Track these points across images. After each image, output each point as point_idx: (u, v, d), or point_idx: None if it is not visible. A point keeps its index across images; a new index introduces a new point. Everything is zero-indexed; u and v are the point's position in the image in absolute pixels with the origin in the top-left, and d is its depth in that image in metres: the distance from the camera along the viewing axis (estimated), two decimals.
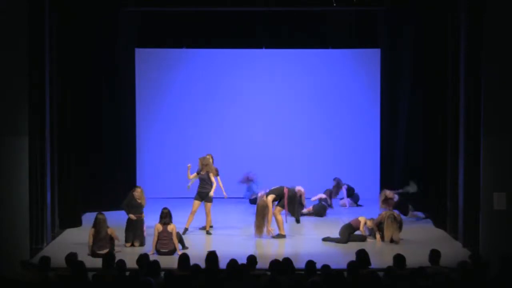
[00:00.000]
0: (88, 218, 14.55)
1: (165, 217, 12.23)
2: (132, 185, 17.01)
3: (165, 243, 12.07)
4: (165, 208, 12.37)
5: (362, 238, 13.00)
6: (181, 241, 12.34)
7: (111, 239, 12.08)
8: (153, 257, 11.14)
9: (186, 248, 12.30)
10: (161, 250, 12.02)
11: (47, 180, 12.55)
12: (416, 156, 15.26)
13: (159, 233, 12.10)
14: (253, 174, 16.25)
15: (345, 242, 12.85)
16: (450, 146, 13.35)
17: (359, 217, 13.23)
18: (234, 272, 8.63)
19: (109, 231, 12.09)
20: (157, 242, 12.10)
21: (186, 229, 13.44)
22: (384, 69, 17.10)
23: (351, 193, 16.56)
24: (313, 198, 15.76)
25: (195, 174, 13.86)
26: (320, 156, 17.20)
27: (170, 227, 12.13)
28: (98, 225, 12.06)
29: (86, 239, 12.09)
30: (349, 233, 12.99)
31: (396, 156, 16.52)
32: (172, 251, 12.04)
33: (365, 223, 13.10)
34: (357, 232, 13.11)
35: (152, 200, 16.72)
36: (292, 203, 13.72)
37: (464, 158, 12.39)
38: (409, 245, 12.74)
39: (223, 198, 14.52)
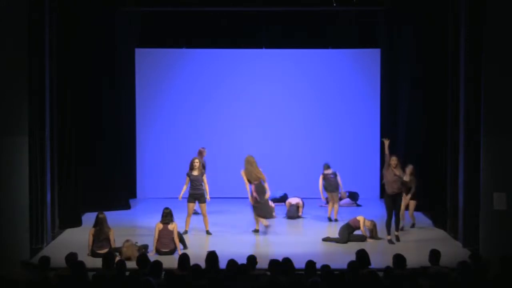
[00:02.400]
0: (88, 218, 14.55)
1: (166, 216, 12.21)
2: (132, 186, 17.11)
3: (165, 242, 12.05)
4: (166, 208, 12.35)
5: (362, 238, 13.00)
6: (182, 241, 12.33)
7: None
8: (153, 257, 11.16)
9: (187, 248, 12.30)
10: (161, 250, 12.01)
11: (47, 180, 12.55)
12: (416, 156, 15.25)
13: (160, 232, 12.09)
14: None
15: (345, 242, 12.85)
16: (450, 146, 13.35)
17: (357, 217, 13.22)
18: (234, 272, 8.63)
19: (110, 233, 12.06)
20: (157, 242, 12.09)
21: (186, 231, 13.42)
22: (384, 69, 17.11)
23: (354, 197, 16.62)
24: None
25: (187, 179, 13.57)
26: (320, 156, 17.17)
27: (171, 226, 12.12)
28: (100, 225, 12.05)
29: (86, 239, 12.07)
30: (348, 233, 12.99)
31: (396, 156, 16.48)
32: (172, 251, 12.03)
33: (364, 223, 13.10)
34: (357, 232, 13.11)
35: (152, 200, 16.82)
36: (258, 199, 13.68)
37: (464, 158, 12.40)
38: (409, 245, 12.75)
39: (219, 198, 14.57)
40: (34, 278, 8.69)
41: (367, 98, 17.30)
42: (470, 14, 12.14)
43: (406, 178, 13.39)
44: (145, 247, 12.04)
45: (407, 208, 13.85)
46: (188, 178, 13.54)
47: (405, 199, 13.63)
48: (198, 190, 13.49)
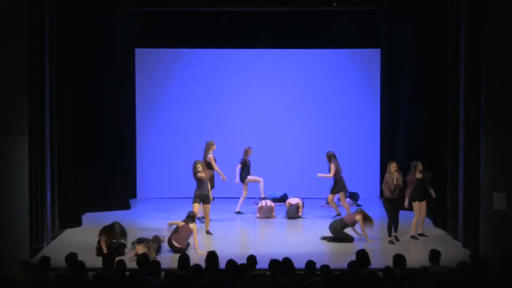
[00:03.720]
0: (88, 218, 14.58)
1: (190, 217, 12.37)
2: (132, 186, 17.11)
3: (181, 238, 12.12)
4: (191, 212, 12.55)
5: (350, 239, 12.93)
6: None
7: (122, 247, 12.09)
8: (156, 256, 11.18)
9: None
10: (174, 244, 12.05)
11: (47, 180, 12.54)
12: (416, 156, 15.24)
13: (181, 226, 12.21)
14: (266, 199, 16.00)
15: (339, 236, 12.84)
16: (450, 146, 13.35)
17: (356, 216, 13.07)
18: (234, 272, 8.63)
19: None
20: (174, 233, 12.17)
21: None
22: (384, 69, 17.10)
23: (354, 197, 16.63)
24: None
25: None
26: (320, 156, 17.17)
27: (192, 225, 12.24)
28: (115, 234, 12.03)
29: (86, 239, 12.05)
30: (342, 227, 12.95)
31: (396, 156, 16.50)
32: (182, 250, 11.96)
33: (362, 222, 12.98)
34: (357, 228, 13.06)
35: (152, 200, 16.81)
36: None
37: (464, 158, 12.40)
38: (409, 245, 12.75)
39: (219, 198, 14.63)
40: (34, 278, 8.69)
41: (367, 98, 17.29)
42: (470, 14, 12.14)
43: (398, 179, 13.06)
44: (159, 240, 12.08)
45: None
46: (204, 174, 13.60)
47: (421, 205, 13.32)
48: (206, 191, 13.55)
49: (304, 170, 17.04)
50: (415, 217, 13.25)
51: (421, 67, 15.19)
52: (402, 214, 13.80)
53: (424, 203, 13.32)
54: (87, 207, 15.08)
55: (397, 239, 13.01)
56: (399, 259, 9.27)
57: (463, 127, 12.47)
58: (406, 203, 13.20)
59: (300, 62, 17.35)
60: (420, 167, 13.22)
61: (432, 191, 13.30)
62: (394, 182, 12.89)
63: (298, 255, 10.82)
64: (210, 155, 14.75)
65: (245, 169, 15.42)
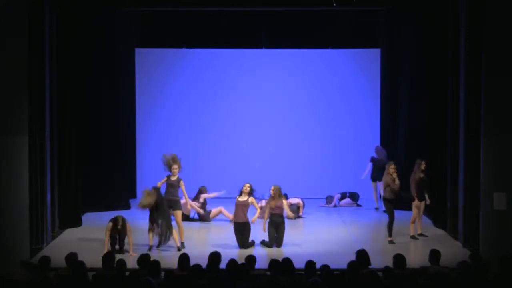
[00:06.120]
0: (88, 218, 14.57)
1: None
2: (132, 186, 17.10)
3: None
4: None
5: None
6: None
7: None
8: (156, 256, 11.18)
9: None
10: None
11: (47, 180, 12.55)
12: (416, 156, 15.25)
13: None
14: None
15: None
16: (450, 146, 13.35)
17: None
18: (234, 272, 8.63)
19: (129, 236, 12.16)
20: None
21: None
22: (384, 69, 17.10)
23: (354, 197, 16.63)
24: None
25: (164, 178, 12.87)
26: (320, 156, 17.21)
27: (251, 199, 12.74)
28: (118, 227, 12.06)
29: (86, 239, 12.06)
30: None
31: (396, 155, 16.51)
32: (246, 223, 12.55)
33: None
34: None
35: None
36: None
37: (464, 158, 12.40)
38: (409, 245, 12.75)
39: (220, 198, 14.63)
40: (34, 278, 8.69)
41: (367, 98, 17.29)
42: (470, 14, 12.14)
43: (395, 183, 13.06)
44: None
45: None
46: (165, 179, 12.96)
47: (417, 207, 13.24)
48: (173, 196, 12.82)
49: (304, 170, 17.05)
50: (412, 216, 13.23)
51: (421, 67, 15.19)
52: (402, 214, 13.86)
53: (423, 203, 13.30)
54: (87, 207, 15.09)
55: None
56: (399, 259, 9.27)
57: (463, 127, 12.47)
58: (415, 201, 13.20)
59: (300, 62, 17.35)
60: (422, 166, 13.21)
61: (427, 197, 13.29)
62: (396, 182, 12.87)
63: (298, 255, 10.84)
64: (203, 195, 14.84)
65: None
